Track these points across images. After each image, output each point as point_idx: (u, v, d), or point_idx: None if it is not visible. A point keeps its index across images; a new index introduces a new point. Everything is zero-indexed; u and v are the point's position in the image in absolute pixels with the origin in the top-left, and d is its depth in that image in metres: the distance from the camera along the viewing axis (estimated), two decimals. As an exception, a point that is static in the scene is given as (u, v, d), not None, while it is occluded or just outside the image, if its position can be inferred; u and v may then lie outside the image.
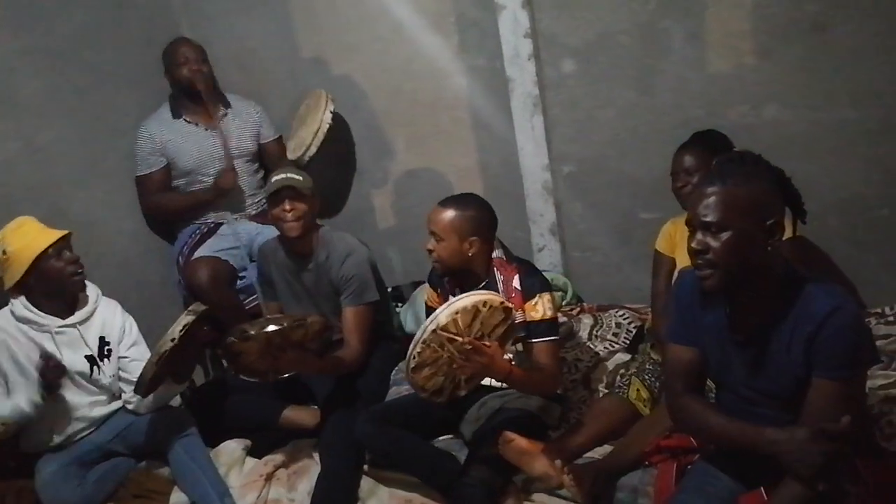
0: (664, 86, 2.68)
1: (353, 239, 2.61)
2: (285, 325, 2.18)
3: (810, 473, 1.42)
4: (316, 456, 2.40)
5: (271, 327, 2.16)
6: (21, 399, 2.24)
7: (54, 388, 2.28)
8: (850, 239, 2.53)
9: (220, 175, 3.06)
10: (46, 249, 2.26)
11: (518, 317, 2.12)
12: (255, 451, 2.52)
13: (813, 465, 1.42)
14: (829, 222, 2.48)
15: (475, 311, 1.93)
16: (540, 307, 2.14)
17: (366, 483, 2.31)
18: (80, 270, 2.34)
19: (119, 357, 2.45)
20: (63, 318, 2.37)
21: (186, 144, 3.08)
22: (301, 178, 2.49)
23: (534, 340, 2.15)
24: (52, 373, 2.25)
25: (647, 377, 2.24)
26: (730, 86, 2.58)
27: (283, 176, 2.48)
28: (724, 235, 1.47)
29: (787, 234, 1.55)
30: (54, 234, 2.30)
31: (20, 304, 2.32)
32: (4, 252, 2.25)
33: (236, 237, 3.12)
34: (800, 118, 2.51)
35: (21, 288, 2.30)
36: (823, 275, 1.73)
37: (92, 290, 2.46)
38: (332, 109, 3.06)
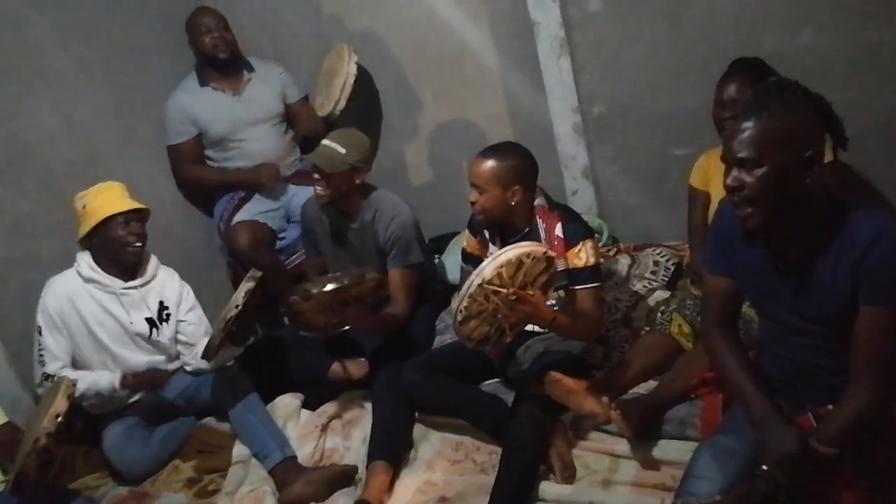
0: (693, 16, 2.62)
1: (398, 199, 2.62)
2: (346, 282, 2.24)
3: (772, 486, 1.45)
4: (367, 406, 2.48)
5: (331, 286, 2.22)
6: (102, 379, 2.39)
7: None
8: (890, 161, 2.47)
9: (263, 169, 3.09)
10: (116, 215, 2.37)
11: (560, 264, 2.13)
12: (308, 405, 2.61)
13: (777, 483, 1.44)
14: (868, 146, 2.42)
15: (519, 263, 1.94)
16: (583, 254, 2.15)
17: (417, 430, 2.37)
18: (137, 244, 2.43)
19: (178, 321, 2.56)
20: (126, 281, 2.48)
21: (216, 112, 3.11)
22: (331, 156, 2.46)
23: (577, 287, 2.16)
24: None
25: (688, 312, 2.24)
26: (763, 11, 2.51)
27: (320, 147, 2.51)
28: (760, 171, 1.43)
29: (827, 158, 1.52)
30: (129, 204, 2.41)
31: (86, 265, 2.43)
32: (84, 206, 2.40)
33: (273, 200, 3.17)
34: (836, 41, 2.44)
35: (86, 244, 2.44)
36: (865, 199, 1.71)
37: (152, 258, 2.57)
38: (356, 61, 3.05)
